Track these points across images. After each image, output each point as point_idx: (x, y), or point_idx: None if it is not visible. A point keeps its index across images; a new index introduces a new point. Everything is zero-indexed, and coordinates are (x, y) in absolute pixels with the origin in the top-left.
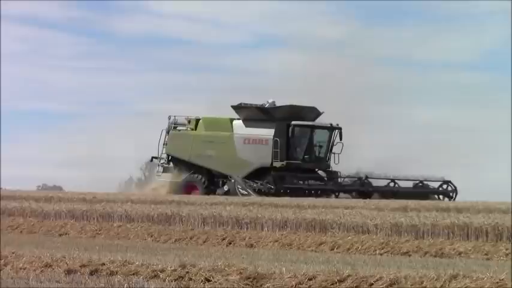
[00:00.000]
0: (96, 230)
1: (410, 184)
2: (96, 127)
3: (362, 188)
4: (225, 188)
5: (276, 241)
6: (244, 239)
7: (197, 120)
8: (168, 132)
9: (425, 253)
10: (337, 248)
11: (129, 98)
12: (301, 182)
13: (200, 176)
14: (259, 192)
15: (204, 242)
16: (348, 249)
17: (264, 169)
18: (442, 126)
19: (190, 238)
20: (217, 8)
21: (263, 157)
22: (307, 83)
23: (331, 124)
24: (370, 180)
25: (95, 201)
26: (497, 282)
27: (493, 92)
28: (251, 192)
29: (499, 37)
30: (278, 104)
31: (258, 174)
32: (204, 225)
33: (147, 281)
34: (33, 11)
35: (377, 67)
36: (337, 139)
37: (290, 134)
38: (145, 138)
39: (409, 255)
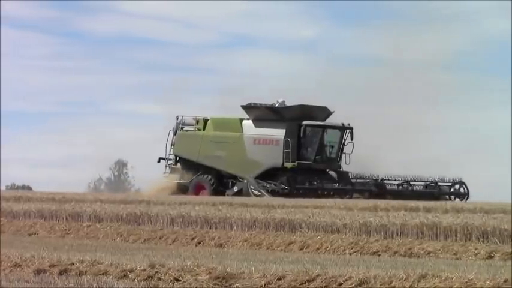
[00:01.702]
0: (65, 229)
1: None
2: (67, 127)
3: (376, 189)
4: (235, 188)
5: (245, 241)
6: (214, 239)
7: (205, 121)
8: (175, 133)
9: (395, 253)
10: (306, 248)
11: (100, 98)
12: (315, 183)
13: (209, 177)
14: (273, 193)
15: (174, 241)
16: (317, 248)
17: (275, 169)
18: (415, 125)
19: (160, 238)
20: (188, 8)
21: (274, 158)
22: (280, 82)
23: (342, 124)
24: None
25: (64, 200)
26: (466, 282)
27: (464, 91)
28: (264, 193)
29: (471, 37)
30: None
31: (268, 174)
32: (173, 225)
33: (117, 280)
34: (4, 10)
35: (348, 67)
36: (348, 139)
37: (302, 134)
38: (115, 138)
39: (378, 255)
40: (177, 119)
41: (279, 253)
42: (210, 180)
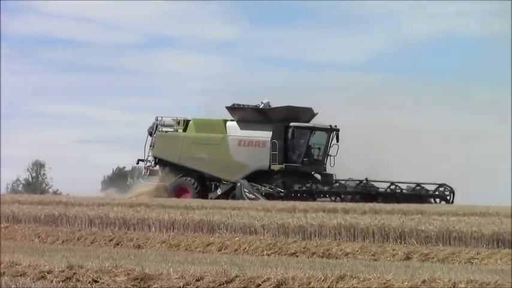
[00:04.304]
0: None
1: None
2: None
3: (366, 191)
4: (218, 191)
5: (164, 242)
6: (132, 240)
7: (187, 122)
8: (151, 134)
9: (313, 254)
10: (224, 249)
11: (20, 99)
12: (309, 186)
13: (191, 179)
14: (268, 196)
15: (92, 242)
16: (236, 250)
17: (260, 172)
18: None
19: (78, 239)
20: (109, 9)
21: (261, 160)
22: (200, 83)
23: (330, 126)
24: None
25: None
26: (384, 283)
27: (381, 92)
28: (259, 196)
29: (387, 38)
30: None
31: (256, 177)
32: (91, 226)
33: (35, 282)
34: None
35: (267, 67)
36: (334, 141)
37: (290, 136)
38: (36, 139)
39: (297, 256)
40: (156, 120)
41: (197, 254)
42: (193, 183)
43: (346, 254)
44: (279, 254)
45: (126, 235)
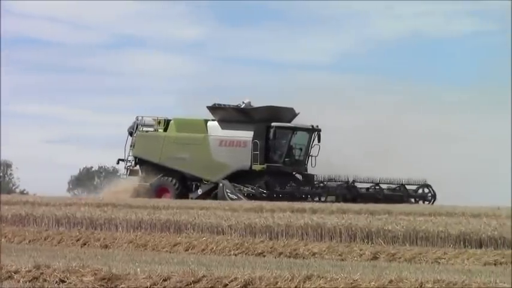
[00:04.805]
0: None
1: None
2: None
3: (349, 192)
4: (199, 191)
5: (131, 242)
6: (99, 240)
7: (167, 121)
8: (131, 134)
9: (280, 254)
10: (192, 249)
11: None
12: (293, 186)
13: (172, 179)
14: (250, 197)
15: (59, 242)
16: (203, 250)
17: (242, 172)
18: None
19: (45, 239)
20: (78, 9)
21: (242, 160)
22: (167, 83)
23: (312, 126)
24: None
25: None
26: (351, 283)
27: (349, 92)
28: (241, 197)
29: (355, 38)
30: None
31: (235, 177)
32: (58, 225)
33: (1, 282)
34: None
35: (236, 67)
36: (316, 141)
37: (271, 136)
38: (5, 138)
39: (264, 256)
40: (137, 119)
41: (164, 254)
42: (174, 183)
43: (313, 254)
44: (246, 253)
45: (93, 235)
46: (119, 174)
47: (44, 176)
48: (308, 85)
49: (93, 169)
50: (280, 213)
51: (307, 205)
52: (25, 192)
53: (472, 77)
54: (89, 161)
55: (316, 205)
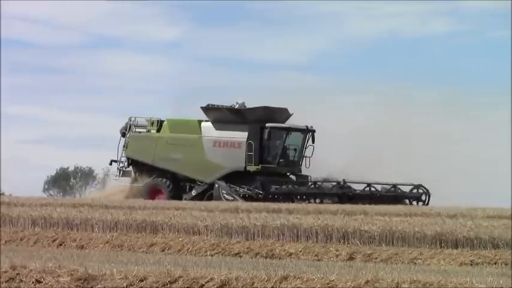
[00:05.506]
0: None
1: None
2: None
3: (342, 192)
4: (193, 192)
5: (107, 242)
6: (75, 240)
7: (161, 122)
8: (123, 135)
9: (256, 254)
10: (168, 249)
11: None
12: (289, 187)
13: (166, 181)
14: (246, 198)
15: (35, 243)
16: (179, 250)
17: (236, 173)
18: None
19: (21, 239)
20: (54, 9)
21: (236, 161)
22: (145, 83)
23: (307, 126)
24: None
25: None
26: (328, 283)
27: (324, 93)
28: (237, 198)
29: (330, 39)
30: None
31: (229, 178)
32: (34, 226)
33: None
34: None
35: (212, 67)
36: (310, 142)
37: (266, 137)
38: None
39: (240, 256)
40: (130, 120)
41: (140, 254)
42: (167, 183)
43: (290, 255)
44: (222, 254)
45: (69, 235)
46: (94, 174)
47: (19, 177)
48: (284, 85)
49: (69, 169)
50: (256, 213)
51: (283, 206)
52: (1, 193)
53: (448, 77)
54: (64, 162)
55: (292, 205)
